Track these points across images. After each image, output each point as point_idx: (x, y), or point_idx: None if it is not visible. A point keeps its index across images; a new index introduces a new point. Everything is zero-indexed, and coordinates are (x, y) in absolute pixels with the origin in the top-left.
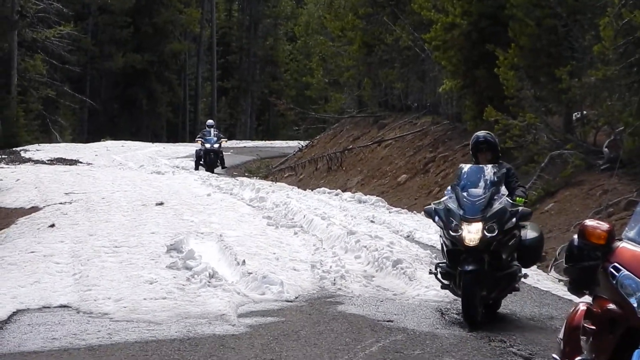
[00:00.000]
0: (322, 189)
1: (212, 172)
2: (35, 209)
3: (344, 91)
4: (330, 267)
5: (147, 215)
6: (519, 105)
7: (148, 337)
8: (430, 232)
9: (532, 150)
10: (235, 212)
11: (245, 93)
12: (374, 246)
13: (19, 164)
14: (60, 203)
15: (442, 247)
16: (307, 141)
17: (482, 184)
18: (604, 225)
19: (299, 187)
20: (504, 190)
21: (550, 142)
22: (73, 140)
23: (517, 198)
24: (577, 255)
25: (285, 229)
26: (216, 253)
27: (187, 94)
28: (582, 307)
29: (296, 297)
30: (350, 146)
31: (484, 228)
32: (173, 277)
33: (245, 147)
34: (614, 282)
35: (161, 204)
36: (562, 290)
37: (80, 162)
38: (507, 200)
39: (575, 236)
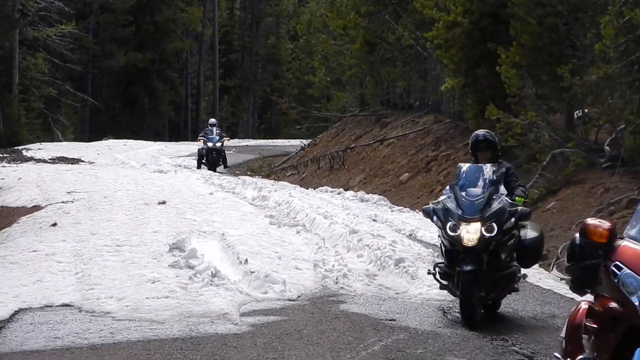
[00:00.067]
0: (325, 187)
1: (215, 170)
2: (37, 207)
3: (346, 90)
4: (333, 266)
5: (149, 214)
6: (520, 104)
7: (150, 336)
8: (433, 231)
9: (534, 149)
10: (238, 211)
11: (247, 92)
12: (376, 245)
13: (21, 163)
14: (63, 202)
15: (441, 247)
16: (309, 140)
17: (480, 183)
18: (606, 224)
19: (301, 186)
20: (503, 189)
21: (551, 140)
22: (75, 139)
23: (517, 198)
24: (579, 254)
25: (288, 227)
26: (218, 252)
27: (189, 92)
28: (584, 306)
29: (298, 296)
30: (353, 145)
31: (482, 228)
32: (175, 276)
33: (247, 145)
34: (616, 280)
35: (163, 202)
36: (563, 289)
37: (82, 161)
38: (506, 199)
39: (577, 235)
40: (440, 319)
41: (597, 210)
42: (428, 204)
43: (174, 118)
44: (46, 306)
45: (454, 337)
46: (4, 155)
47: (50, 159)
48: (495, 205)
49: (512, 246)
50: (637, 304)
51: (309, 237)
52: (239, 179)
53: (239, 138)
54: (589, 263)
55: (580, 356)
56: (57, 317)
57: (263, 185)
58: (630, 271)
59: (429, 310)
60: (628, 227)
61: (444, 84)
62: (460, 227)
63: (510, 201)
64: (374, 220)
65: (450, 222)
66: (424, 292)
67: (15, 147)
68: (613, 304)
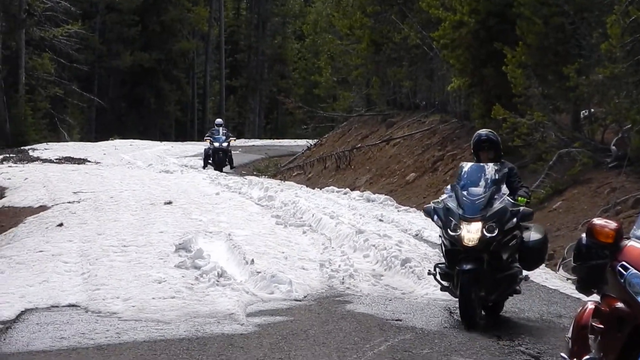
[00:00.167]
0: (331, 187)
1: (221, 171)
2: (43, 208)
3: (353, 89)
4: (339, 266)
5: (155, 214)
6: (526, 104)
7: (156, 336)
8: (439, 231)
9: (540, 149)
10: (244, 211)
11: (253, 91)
12: (382, 245)
13: (27, 163)
14: (69, 202)
15: (441, 247)
16: (315, 140)
17: (482, 182)
18: (612, 224)
19: (307, 186)
20: (505, 189)
21: (558, 140)
22: (81, 139)
23: (519, 198)
24: (585, 254)
25: (294, 228)
26: (225, 252)
27: (196, 92)
28: (590, 306)
29: (305, 296)
30: (359, 145)
31: (483, 228)
32: (182, 277)
33: (253, 145)
34: (622, 280)
35: (170, 203)
36: (570, 289)
37: (89, 161)
38: (508, 199)
39: (584, 235)
40: (447, 319)
41: (603, 210)
42: (429, 203)
43: (180, 118)
44: (52, 306)
45: (460, 337)
46: (11, 155)
47: (56, 159)
48: (497, 205)
49: (514, 247)
50: None
51: (315, 237)
52: (245, 179)
53: (245, 138)
54: (595, 263)
55: (587, 356)
56: (63, 317)
57: (269, 186)
58: (637, 271)
59: (435, 311)
60: (634, 227)
61: (450, 84)
62: (461, 227)
63: (513, 201)
64: (380, 220)
65: (451, 222)
66: (430, 292)
67: (22, 147)
68: (619, 304)
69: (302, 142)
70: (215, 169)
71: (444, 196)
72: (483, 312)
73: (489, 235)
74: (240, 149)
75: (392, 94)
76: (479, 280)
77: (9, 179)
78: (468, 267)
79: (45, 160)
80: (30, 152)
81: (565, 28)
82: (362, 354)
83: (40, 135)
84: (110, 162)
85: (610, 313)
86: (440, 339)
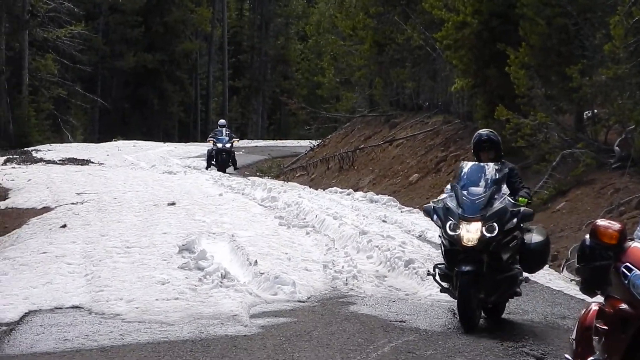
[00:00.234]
0: (334, 188)
1: (224, 171)
2: (47, 209)
3: (355, 90)
4: (343, 267)
5: (159, 215)
6: (529, 104)
7: (160, 338)
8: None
9: (543, 149)
10: (247, 212)
11: (256, 92)
12: (386, 246)
13: (30, 164)
14: (72, 203)
15: (441, 247)
16: (318, 140)
17: (482, 182)
18: (616, 225)
19: (310, 187)
20: (505, 189)
21: (561, 141)
22: (84, 140)
23: (520, 198)
24: (589, 255)
25: (297, 229)
26: (228, 253)
27: (199, 93)
28: (594, 307)
29: (308, 298)
30: (362, 145)
31: (482, 227)
32: (185, 278)
33: (256, 146)
34: (626, 282)
35: (173, 204)
36: (574, 290)
37: (92, 162)
38: (508, 199)
39: (587, 236)
40: (451, 321)
41: (607, 210)
42: (429, 202)
43: (183, 119)
44: (56, 308)
45: (464, 339)
46: (14, 156)
47: (59, 160)
48: (497, 205)
49: (514, 247)
50: None
51: (319, 238)
52: (249, 179)
53: (248, 139)
54: (599, 264)
55: (591, 358)
56: (66, 319)
57: (272, 186)
58: None
59: (439, 312)
60: (638, 227)
61: (453, 85)
62: (461, 227)
63: (513, 201)
64: (384, 221)
65: (450, 221)
66: (433, 293)
67: (25, 148)
68: (623, 306)
69: (305, 143)
70: (218, 170)
71: (443, 196)
72: (483, 314)
73: (488, 235)
74: (243, 150)
75: (395, 95)
76: (478, 281)
77: (13, 180)
78: (467, 268)
79: (48, 162)
80: (34, 153)
81: (568, 29)
82: (365, 355)
83: (43, 136)
84: (113, 163)
85: (614, 314)
86: (444, 340)
